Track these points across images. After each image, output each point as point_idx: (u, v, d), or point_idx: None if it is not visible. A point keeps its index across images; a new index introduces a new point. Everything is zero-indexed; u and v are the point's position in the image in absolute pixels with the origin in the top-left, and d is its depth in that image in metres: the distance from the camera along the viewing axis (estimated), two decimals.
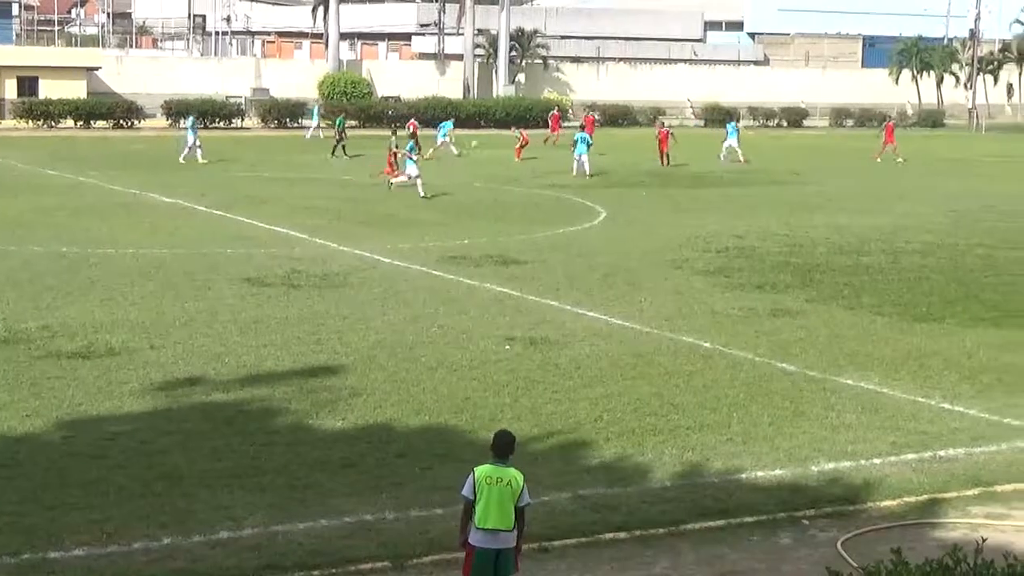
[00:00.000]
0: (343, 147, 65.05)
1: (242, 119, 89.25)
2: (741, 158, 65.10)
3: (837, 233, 39.69)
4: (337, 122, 68.12)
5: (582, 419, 19.30)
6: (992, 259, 35.40)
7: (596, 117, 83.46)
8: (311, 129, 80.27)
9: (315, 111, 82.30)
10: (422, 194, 47.09)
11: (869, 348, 24.41)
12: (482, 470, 12.14)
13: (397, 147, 52.21)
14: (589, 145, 57.74)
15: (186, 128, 64.08)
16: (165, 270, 31.13)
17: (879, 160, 68.86)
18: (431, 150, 63.47)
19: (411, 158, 49.14)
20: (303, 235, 37.47)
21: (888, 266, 34.04)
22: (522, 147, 65.82)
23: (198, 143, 61.22)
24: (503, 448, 12.26)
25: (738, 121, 79.17)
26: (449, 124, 71.21)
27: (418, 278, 31.07)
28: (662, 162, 62.70)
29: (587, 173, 55.58)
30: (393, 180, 49.75)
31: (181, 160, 60.38)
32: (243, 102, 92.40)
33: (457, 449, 17.42)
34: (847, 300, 29.21)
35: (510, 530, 12.07)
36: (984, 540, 10.33)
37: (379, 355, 22.95)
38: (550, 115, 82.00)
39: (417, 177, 48.12)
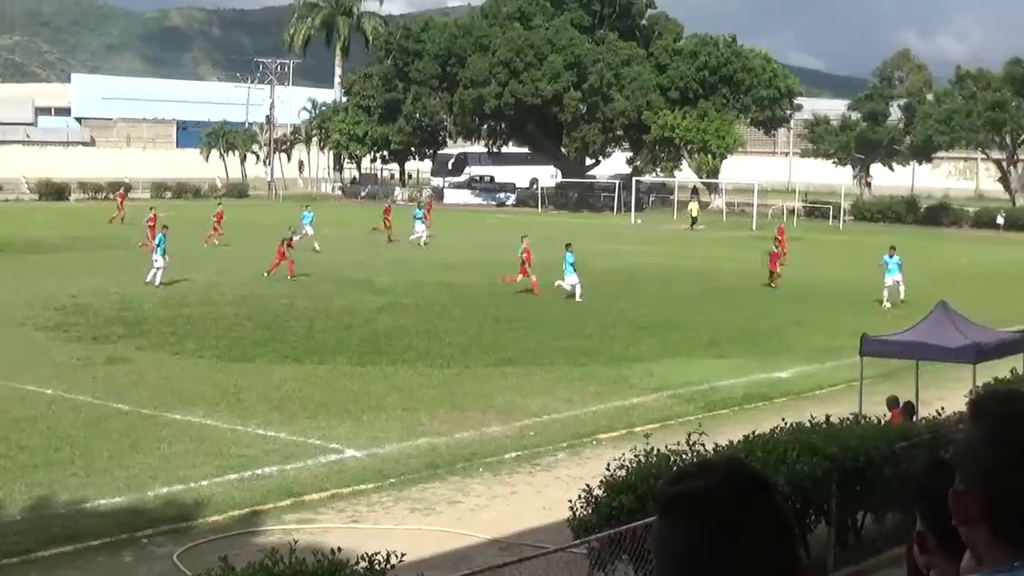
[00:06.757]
0: None
1: None
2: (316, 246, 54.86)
3: (166, 290, 39.15)
4: None
5: None
6: (293, 307, 36.11)
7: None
8: None
9: None
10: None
11: (194, 387, 24.30)
12: None
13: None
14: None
15: None
16: None
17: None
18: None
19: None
20: None
21: (206, 315, 33.98)
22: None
23: None
24: None
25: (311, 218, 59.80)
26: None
27: None
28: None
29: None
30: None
31: None
32: None
33: None
34: (173, 347, 28.96)
35: None
36: (296, 542, 10.55)
37: None
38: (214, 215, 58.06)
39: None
